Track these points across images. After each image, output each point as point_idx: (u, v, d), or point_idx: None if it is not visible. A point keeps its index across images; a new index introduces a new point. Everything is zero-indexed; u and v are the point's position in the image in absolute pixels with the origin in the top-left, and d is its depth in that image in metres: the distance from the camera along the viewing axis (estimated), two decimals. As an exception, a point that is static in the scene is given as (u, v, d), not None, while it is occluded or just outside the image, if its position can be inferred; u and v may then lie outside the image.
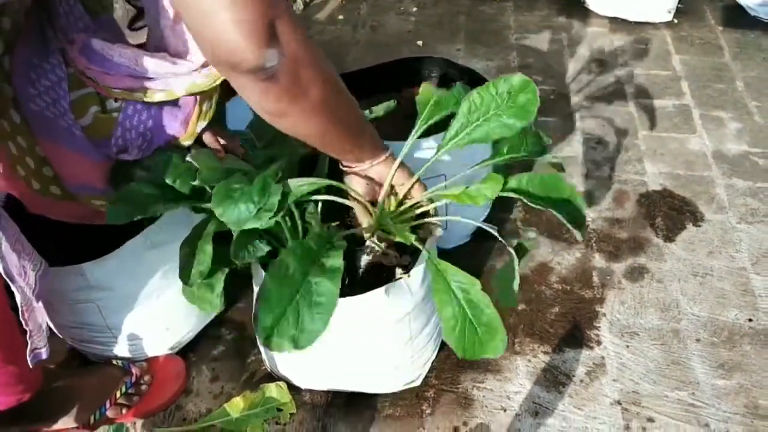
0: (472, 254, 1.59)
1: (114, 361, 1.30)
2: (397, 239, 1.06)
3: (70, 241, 1.23)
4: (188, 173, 1.01)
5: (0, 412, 1.05)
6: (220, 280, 1.09)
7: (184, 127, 1.05)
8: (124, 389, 1.25)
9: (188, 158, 0.99)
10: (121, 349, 1.32)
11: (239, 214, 0.90)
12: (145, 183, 1.02)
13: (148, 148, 1.05)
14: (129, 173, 1.05)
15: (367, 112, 1.20)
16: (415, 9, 2.61)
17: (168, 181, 1.01)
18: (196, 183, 0.97)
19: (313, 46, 0.76)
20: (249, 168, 1.04)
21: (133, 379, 1.27)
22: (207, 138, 1.13)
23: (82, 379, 1.24)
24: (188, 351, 1.39)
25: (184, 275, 1.03)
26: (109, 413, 1.23)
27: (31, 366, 0.98)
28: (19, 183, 0.96)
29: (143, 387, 1.28)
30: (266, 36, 0.68)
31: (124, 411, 1.24)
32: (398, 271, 1.13)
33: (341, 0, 2.66)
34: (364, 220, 1.11)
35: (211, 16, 0.65)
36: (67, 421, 1.19)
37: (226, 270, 1.09)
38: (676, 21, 2.48)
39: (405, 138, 1.41)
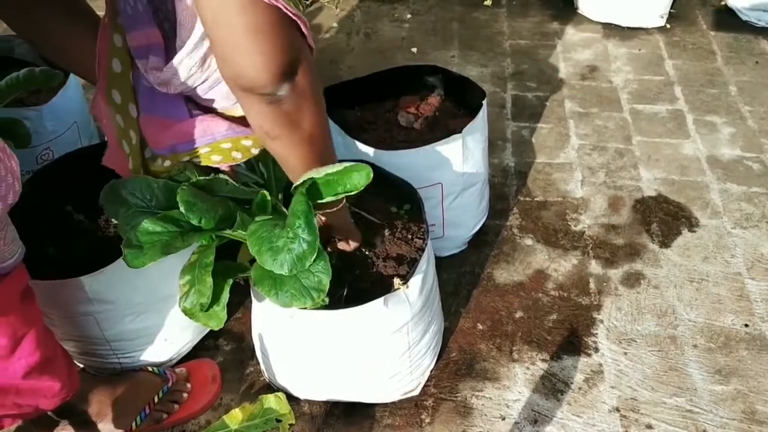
0: (468, 262, 1.60)
1: (149, 368, 1.31)
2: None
3: (69, 255, 1.23)
4: (212, 210, 1.00)
5: (43, 416, 1.12)
6: (225, 293, 1.07)
7: None
8: (161, 395, 1.27)
9: (180, 191, 0.98)
10: (120, 362, 1.31)
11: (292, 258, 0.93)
12: (150, 220, 0.98)
13: None
14: (119, 196, 1.04)
15: None
16: (408, 16, 2.62)
17: (193, 221, 0.98)
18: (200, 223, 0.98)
19: (318, 86, 0.88)
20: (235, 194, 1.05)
21: (170, 384, 1.29)
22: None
23: (119, 385, 1.25)
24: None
25: (185, 306, 1.02)
26: (150, 419, 1.25)
27: None
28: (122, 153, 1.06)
29: (183, 394, 1.29)
30: (285, 73, 0.81)
31: (164, 416, 1.26)
32: (396, 281, 1.13)
33: (336, 7, 2.66)
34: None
35: (240, 50, 0.77)
36: (108, 428, 1.22)
37: (231, 281, 1.08)
38: (668, 26, 2.49)
39: (397, 147, 1.43)
